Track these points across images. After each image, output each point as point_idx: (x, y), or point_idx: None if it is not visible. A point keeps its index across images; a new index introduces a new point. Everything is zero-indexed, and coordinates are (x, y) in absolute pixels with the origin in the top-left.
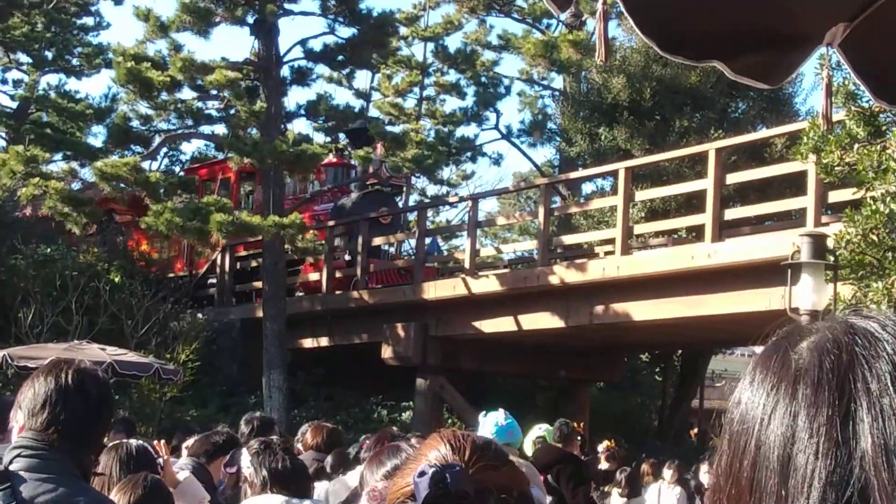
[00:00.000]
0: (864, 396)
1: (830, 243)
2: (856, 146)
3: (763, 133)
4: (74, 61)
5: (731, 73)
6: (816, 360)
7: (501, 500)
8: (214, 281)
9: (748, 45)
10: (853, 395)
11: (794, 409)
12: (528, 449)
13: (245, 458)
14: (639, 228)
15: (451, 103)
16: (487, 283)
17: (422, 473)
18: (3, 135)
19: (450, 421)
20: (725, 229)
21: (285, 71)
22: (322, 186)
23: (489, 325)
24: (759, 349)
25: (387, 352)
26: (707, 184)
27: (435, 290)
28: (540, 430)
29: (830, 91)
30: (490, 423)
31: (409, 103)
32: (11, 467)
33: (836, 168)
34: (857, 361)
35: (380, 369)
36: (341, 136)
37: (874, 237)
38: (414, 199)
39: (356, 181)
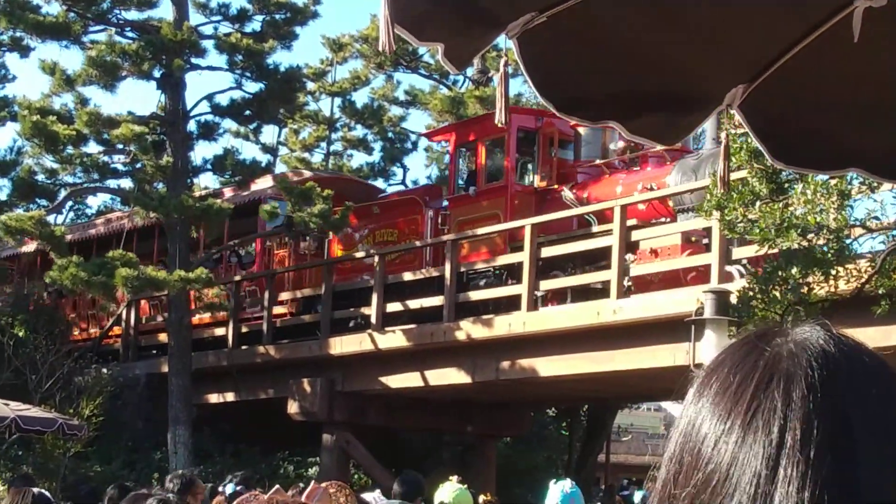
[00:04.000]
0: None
1: (734, 300)
2: (758, 203)
3: (670, 190)
4: None
5: (627, 133)
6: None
7: None
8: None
9: (646, 106)
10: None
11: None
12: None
13: None
14: (544, 284)
15: (359, 158)
16: (394, 339)
17: None
18: None
19: (356, 476)
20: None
21: (192, 125)
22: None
23: (396, 381)
24: (665, 404)
25: (293, 407)
26: (613, 240)
27: (341, 345)
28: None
29: (728, 154)
30: (557, 491)
31: (317, 158)
32: None
33: (739, 224)
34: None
35: (286, 425)
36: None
37: (776, 294)
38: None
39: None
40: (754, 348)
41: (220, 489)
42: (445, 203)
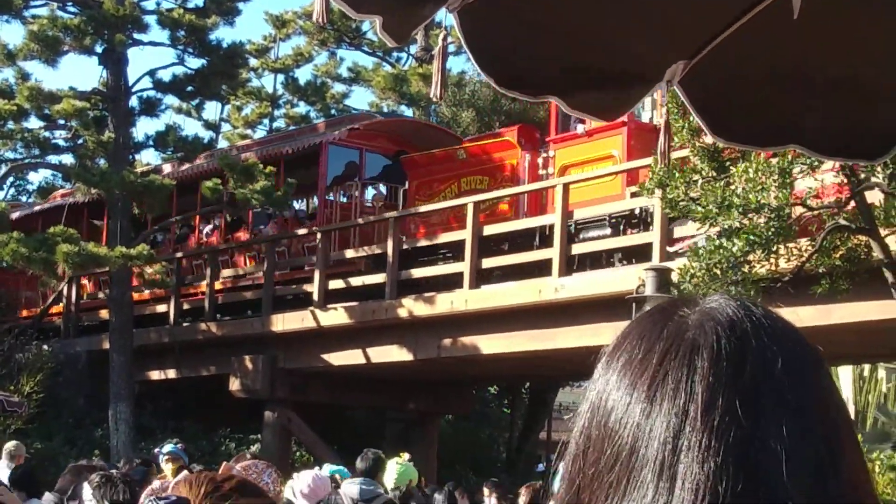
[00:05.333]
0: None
1: (675, 277)
2: (700, 182)
3: (610, 168)
4: None
5: (568, 108)
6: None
7: None
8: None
9: (586, 82)
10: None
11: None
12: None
13: (87, 491)
14: (486, 262)
15: None
16: (336, 316)
17: None
18: None
19: (298, 454)
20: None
21: (134, 101)
22: None
23: (338, 358)
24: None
25: (234, 384)
26: (555, 218)
27: (283, 322)
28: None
29: (669, 129)
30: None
31: (259, 135)
32: None
33: (681, 203)
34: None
35: (228, 402)
36: None
37: (717, 271)
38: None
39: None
40: (661, 318)
41: (157, 450)
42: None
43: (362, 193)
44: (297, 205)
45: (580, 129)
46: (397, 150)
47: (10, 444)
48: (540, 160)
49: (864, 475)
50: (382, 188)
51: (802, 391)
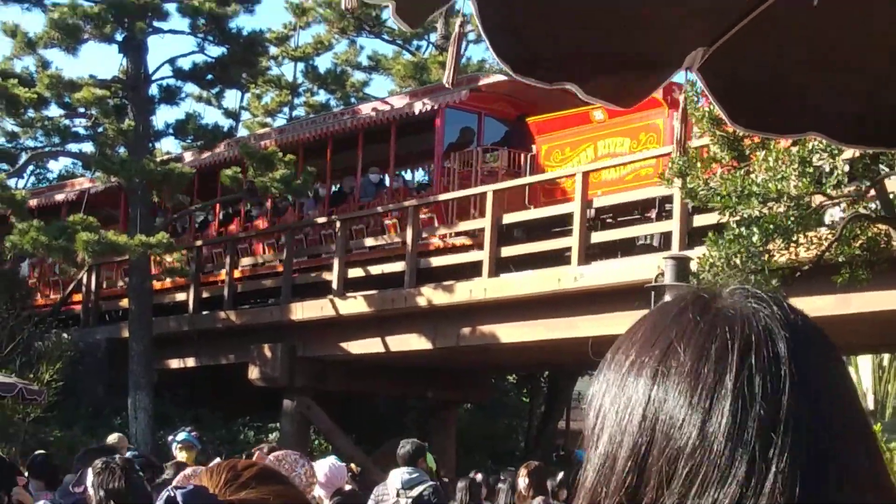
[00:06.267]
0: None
1: (694, 266)
2: (719, 171)
3: (631, 157)
4: None
5: (583, 95)
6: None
7: None
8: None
9: (603, 68)
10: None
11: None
12: None
13: (89, 477)
14: (506, 251)
15: None
16: (355, 304)
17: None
18: None
19: (316, 442)
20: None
21: (154, 89)
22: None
23: (357, 347)
24: None
25: (254, 373)
26: (574, 206)
27: (302, 310)
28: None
29: (686, 117)
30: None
31: (279, 123)
32: None
33: (701, 192)
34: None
35: (247, 390)
36: None
37: (737, 261)
38: None
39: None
40: (696, 321)
41: (171, 437)
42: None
43: (482, 160)
44: (407, 175)
45: None
46: (519, 114)
47: (112, 437)
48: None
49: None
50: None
51: (839, 379)
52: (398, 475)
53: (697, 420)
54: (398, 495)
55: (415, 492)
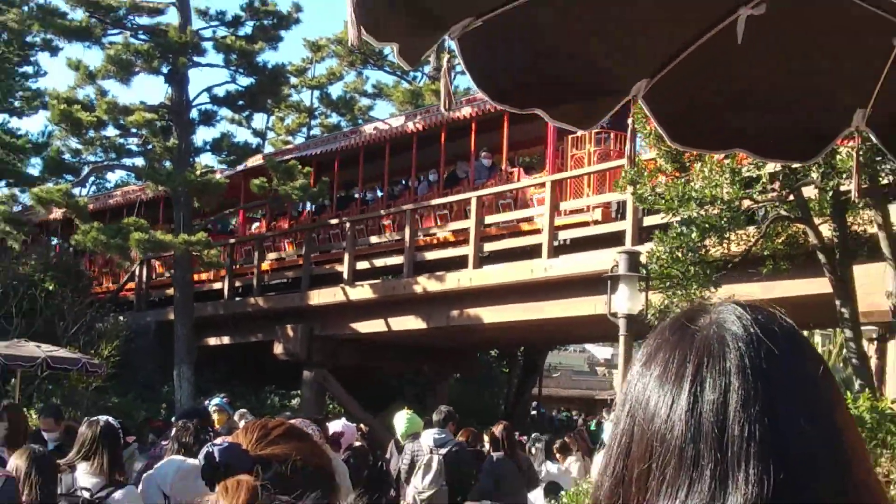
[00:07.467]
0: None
1: (643, 259)
2: (663, 179)
3: (600, 166)
4: (16, 103)
5: (550, 119)
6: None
7: (285, 470)
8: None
9: (566, 97)
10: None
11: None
12: (399, 428)
13: (172, 433)
14: (488, 247)
15: None
16: (363, 292)
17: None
18: None
19: (330, 406)
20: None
21: (194, 113)
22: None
23: (364, 327)
24: (588, 346)
25: (278, 349)
26: (544, 209)
27: (319, 297)
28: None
29: (634, 137)
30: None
31: (299, 141)
32: None
33: (649, 197)
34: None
35: (272, 364)
36: None
37: (679, 255)
38: None
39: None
40: (687, 332)
41: (206, 402)
42: None
43: (601, 143)
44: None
45: None
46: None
47: (242, 410)
48: None
49: (870, 466)
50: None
51: (811, 385)
52: (430, 435)
53: (664, 415)
54: (430, 451)
55: (444, 449)
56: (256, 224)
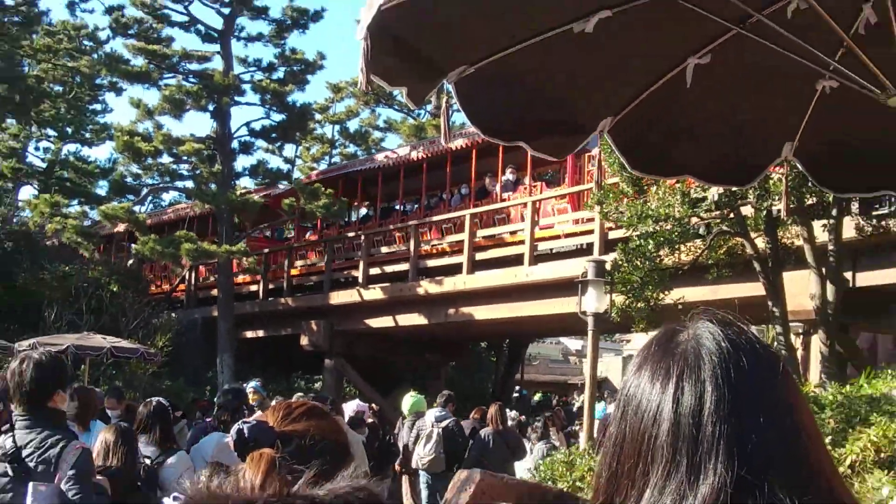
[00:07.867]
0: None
1: (608, 267)
2: (626, 200)
3: (570, 189)
4: (87, 135)
5: (531, 150)
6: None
7: (303, 443)
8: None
9: (544, 131)
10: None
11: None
12: (406, 407)
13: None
14: (479, 255)
15: None
16: (375, 293)
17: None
18: (36, 186)
19: (348, 389)
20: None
21: (235, 144)
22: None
23: (376, 323)
24: (562, 339)
25: (304, 341)
26: (525, 225)
27: (338, 297)
28: (413, 397)
29: (601, 165)
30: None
31: (322, 167)
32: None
33: (613, 215)
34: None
35: (299, 353)
36: None
37: (637, 263)
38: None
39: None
40: (671, 345)
41: (244, 385)
42: None
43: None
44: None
45: None
46: None
47: (298, 394)
48: None
49: (829, 460)
50: None
51: (771, 392)
52: (433, 412)
53: (651, 416)
54: (432, 426)
55: (443, 424)
56: (309, 233)
